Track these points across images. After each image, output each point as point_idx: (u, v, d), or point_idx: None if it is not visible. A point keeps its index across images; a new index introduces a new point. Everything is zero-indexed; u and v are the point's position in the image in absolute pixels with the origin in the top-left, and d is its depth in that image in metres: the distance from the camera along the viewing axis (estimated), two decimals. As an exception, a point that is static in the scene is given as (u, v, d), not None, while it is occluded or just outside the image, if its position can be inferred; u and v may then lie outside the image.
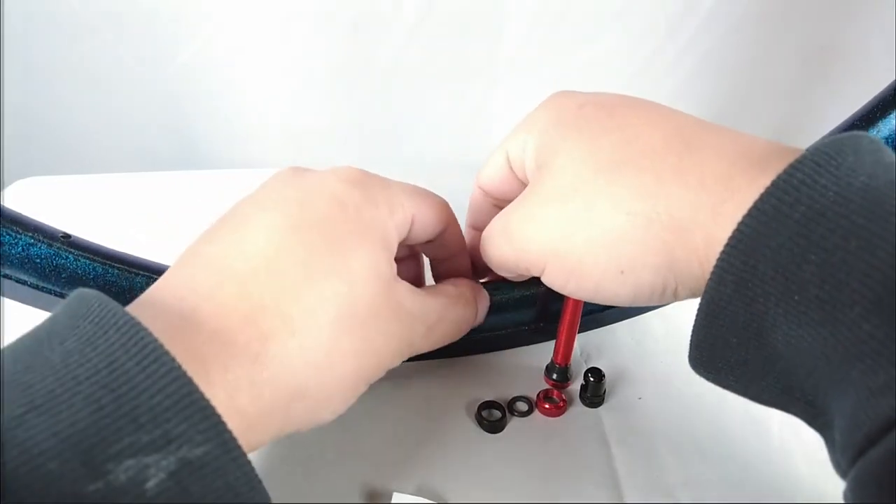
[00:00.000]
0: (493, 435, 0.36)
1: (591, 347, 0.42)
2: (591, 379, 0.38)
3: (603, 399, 0.38)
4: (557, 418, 0.37)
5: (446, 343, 0.32)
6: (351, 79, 0.65)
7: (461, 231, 0.35)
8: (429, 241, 0.33)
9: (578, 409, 0.38)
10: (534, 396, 0.38)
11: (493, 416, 0.37)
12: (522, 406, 0.38)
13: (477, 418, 0.37)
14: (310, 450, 0.35)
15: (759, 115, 0.70)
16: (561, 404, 0.37)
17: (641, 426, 0.37)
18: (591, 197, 0.25)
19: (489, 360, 0.41)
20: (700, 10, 0.62)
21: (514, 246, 0.28)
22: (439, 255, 0.35)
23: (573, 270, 0.26)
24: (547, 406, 0.37)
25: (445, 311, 0.31)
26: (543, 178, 0.28)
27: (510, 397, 0.38)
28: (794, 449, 0.35)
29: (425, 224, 0.31)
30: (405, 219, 0.29)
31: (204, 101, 0.67)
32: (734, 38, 0.64)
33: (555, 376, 0.38)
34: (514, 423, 0.37)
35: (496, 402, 0.38)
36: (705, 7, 0.62)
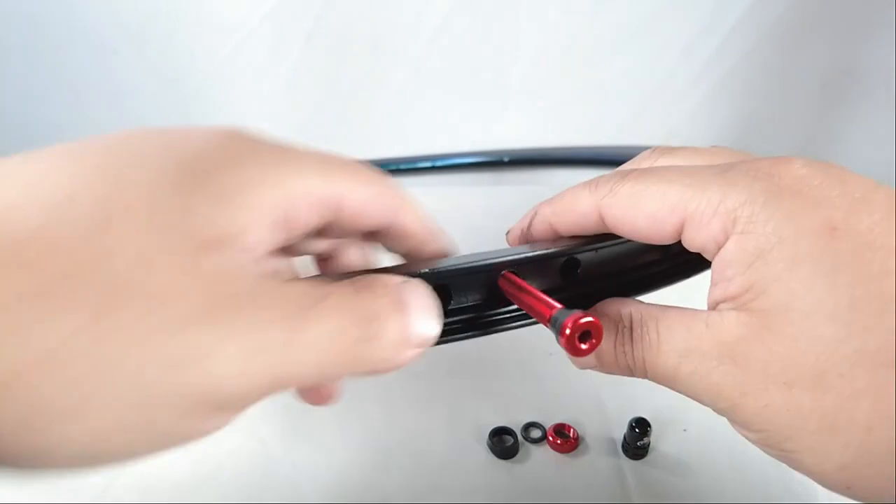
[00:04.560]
0: (504, 461, 0.36)
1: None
2: (636, 430, 0.35)
3: (647, 451, 0.36)
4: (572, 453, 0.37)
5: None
6: (367, 95, 0.65)
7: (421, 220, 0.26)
8: (376, 231, 0.25)
9: (593, 445, 0.37)
10: (547, 425, 0.37)
11: (504, 442, 0.36)
12: (535, 433, 0.37)
13: (489, 444, 0.36)
14: (312, 476, 0.35)
15: (777, 140, 0.69)
16: (572, 440, 0.37)
17: (654, 460, 0.36)
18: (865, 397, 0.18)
19: (502, 385, 0.41)
20: (718, 32, 0.62)
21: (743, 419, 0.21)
22: (392, 249, 0.26)
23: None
24: (559, 441, 0.36)
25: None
26: (775, 333, 0.19)
27: (523, 423, 0.38)
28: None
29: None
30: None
31: (220, 119, 0.68)
32: (752, 61, 0.64)
33: None
34: (526, 450, 0.37)
35: (508, 427, 0.37)
36: (723, 29, 0.62)
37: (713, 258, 0.21)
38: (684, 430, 0.37)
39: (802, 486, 0.34)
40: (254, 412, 0.39)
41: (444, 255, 0.27)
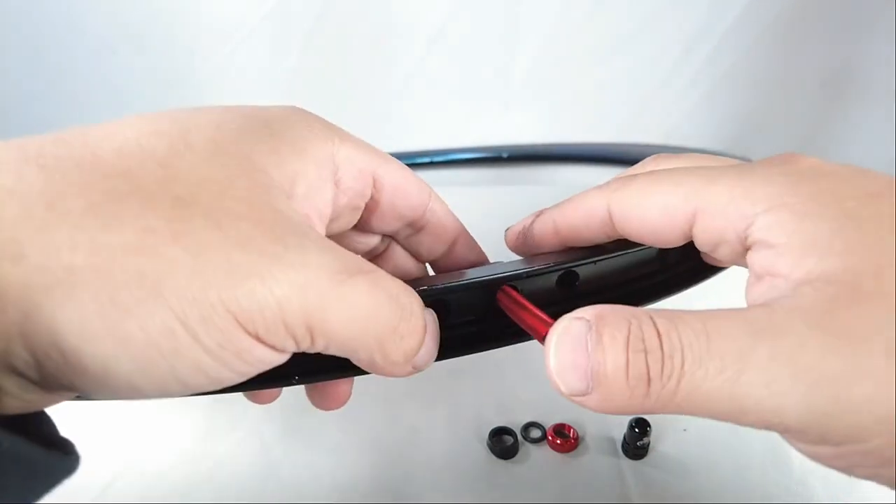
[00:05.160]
0: (504, 461, 0.36)
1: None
2: (636, 430, 0.35)
3: (646, 451, 0.36)
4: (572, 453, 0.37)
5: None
6: (367, 95, 0.65)
7: (451, 213, 0.27)
8: (411, 230, 0.27)
9: (593, 445, 0.37)
10: (546, 425, 0.37)
11: (504, 442, 0.36)
12: (535, 433, 0.37)
13: (489, 444, 0.36)
14: (311, 476, 0.35)
15: (776, 139, 0.69)
16: (572, 440, 0.37)
17: (654, 460, 0.36)
18: None
19: (503, 385, 0.41)
20: (717, 31, 0.62)
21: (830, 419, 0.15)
22: (431, 249, 0.28)
23: None
24: (559, 441, 0.36)
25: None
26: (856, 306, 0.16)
27: (523, 423, 0.38)
28: (815, 482, 0.34)
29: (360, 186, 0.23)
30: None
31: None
32: (751, 60, 0.64)
33: None
34: (525, 449, 0.37)
35: (508, 427, 0.37)
36: (722, 28, 0.62)
37: (733, 248, 0.19)
38: (684, 430, 0.37)
39: (803, 486, 0.34)
40: (254, 411, 0.39)
41: (476, 261, 0.28)
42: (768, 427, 0.16)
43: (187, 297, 0.15)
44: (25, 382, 0.16)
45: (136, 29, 0.61)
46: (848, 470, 0.17)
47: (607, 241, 0.24)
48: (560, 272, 0.24)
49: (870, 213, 0.17)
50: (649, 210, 0.21)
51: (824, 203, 0.17)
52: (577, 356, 0.17)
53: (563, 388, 0.17)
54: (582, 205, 0.23)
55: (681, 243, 0.21)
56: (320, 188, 0.21)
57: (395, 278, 0.20)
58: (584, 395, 0.17)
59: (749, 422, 0.16)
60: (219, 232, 0.16)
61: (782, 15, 0.61)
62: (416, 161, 0.66)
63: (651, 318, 0.17)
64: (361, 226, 0.26)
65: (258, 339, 0.17)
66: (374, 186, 0.24)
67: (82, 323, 0.15)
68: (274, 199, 0.18)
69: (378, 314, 0.18)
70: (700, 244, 0.21)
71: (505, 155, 0.68)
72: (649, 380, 0.16)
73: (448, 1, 0.60)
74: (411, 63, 0.63)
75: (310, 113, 0.22)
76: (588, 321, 0.17)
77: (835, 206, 0.17)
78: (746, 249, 0.19)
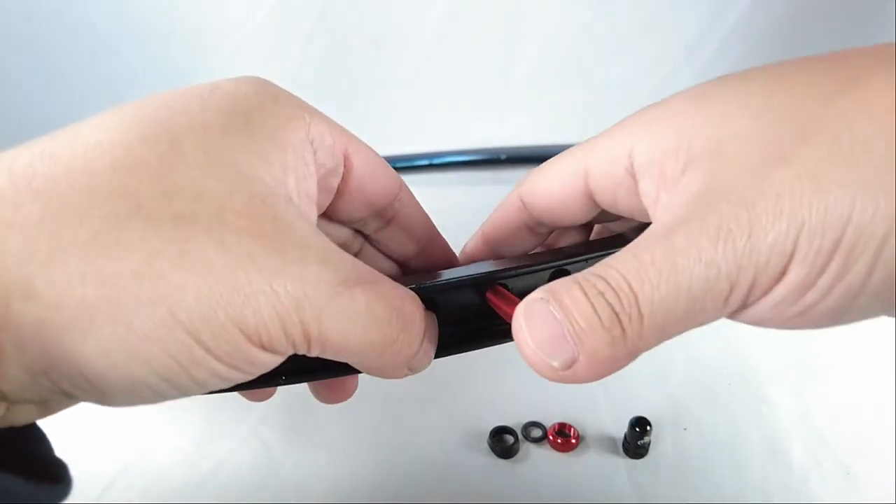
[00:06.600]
0: (504, 460, 0.36)
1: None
2: (636, 429, 0.35)
3: (647, 451, 0.36)
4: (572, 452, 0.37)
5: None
6: (367, 95, 0.65)
7: (421, 207, 0.27)
8: (380, 222, 0.26)
9: (593, 444, 0.37)
10: (547, 425, 0.37)
11: (505, 442, 0.36)
12: (536, 432, 0.37)
13: (489, 443, 0.36)
14: (312, 476, 0.35)
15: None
16: (573, 440, 0.37)
17: (655, 459, 0.36)
18: None
19: (503, 385, 0.41)
20: (718, 32, 0.62)
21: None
22: (402, 247, 0.27)
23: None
24: (559, 441, 0.37)
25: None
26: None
27: (523, 423, 0.38)
28: (815, 482, 0.34)
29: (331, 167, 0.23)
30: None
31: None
32: (752, 61, 0.63)
33: None
34: (526, 449, 0.37)
35: (509, 427, 0.37)
36: (723, 29, 0.62)
37: (628, 188, 0.21)
38: (684, 430, 0.37)
39: (803, 486, 0.34)
40: (254, 411, 0.39)
41: (448, 262, 0.28)
42: (728, 305, 0.16)
43: (199, 317, 0.16)
44: (50, 403, 0.17)
45: (136, 29, 0.61)
46: (834, 308, 0.16)
47: (529, 234, 0.26)
48: (552, 270, 0.24)
49: (719, 88, 0.20)
50: (549, 184, 0.23)
51: (684, 100, 0.20)
52: (549, 326, 0.17)
53: (553, 363, 0.17)
54: (500, 207, 0.26)
55: (590, 212, 0.23)
56: (304, 174, 0.21)
57: (398, 285, 0.20)
58: (573, 363, 0.17)
59: (711, 309, 0.16)
60: (222, 249, 0.17)
61: (783, 16, 0.61)
62: (415, 163, 0.66)
63: (589, 272, 0.18)
64: (331, 213, 0.25)
65: (262, 347, 0.17)
66: (345, 166, 0.24)
67: (105, 353, 0.16)
68: (271, 208, 0.18)
69: (376, 326, 0.19)
70: (601, 200, 0.22)
71: (503, 157, 0.68)
72: (617, 315, 0.17)
73: (448, 1, 0.60)
74: (412, 63, 0.63)
75: (277, 88, 0.22)
76: (543, 298, 0.18)
77: (693, 100, 0.19)
78: (637, 184, 0.20)
